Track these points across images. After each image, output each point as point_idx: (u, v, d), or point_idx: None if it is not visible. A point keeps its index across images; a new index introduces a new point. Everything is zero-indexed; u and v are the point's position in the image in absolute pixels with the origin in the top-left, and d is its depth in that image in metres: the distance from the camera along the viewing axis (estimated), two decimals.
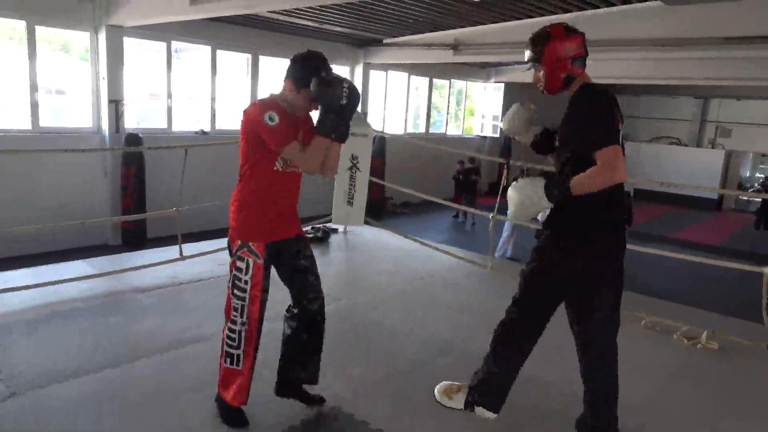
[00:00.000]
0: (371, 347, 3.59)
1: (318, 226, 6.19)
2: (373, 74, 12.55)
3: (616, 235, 2.43)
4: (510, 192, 2.43)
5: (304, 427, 2.69)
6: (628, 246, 2.54)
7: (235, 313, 2.56)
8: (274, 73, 10.88)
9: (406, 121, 14.03)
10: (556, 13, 8.25)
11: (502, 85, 15.76)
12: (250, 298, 2.53)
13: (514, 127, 2.76)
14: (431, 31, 10.14)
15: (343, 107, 2.37)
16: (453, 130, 16.15)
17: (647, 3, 6.97)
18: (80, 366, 3.13)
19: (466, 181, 12.35)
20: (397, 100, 13.79)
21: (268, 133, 2.36)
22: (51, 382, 2.95)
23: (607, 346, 2.57)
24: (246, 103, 10.17)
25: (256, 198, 2.53)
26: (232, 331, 2.57)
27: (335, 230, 6.37)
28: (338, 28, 10.10)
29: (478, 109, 16.59)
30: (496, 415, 2.71)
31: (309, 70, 2.41)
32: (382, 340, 3.69)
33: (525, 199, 2.35)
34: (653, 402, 3.08)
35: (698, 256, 4.72)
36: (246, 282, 2.52)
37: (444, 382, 2.89)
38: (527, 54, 2.45)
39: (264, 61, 10.61)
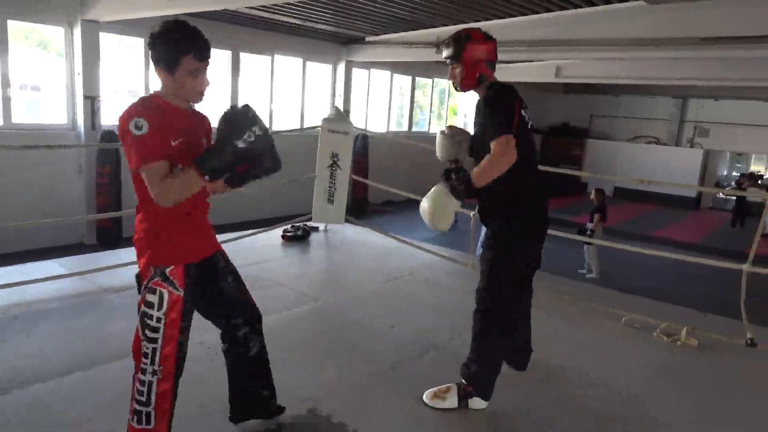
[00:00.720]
0: (349, 347, 3.53)
1: (298, 224, 6.11)
2: (356, 72, 12.48)
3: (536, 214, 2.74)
4: (422, 204, 2.66)
5: (280, 429, 2.62)
6: (610, 244, 2.78)
7: (144, 360, 2.06)
8: (255, 71, 10.77)
9: (389, 119, 13.99)
10: (537, 12, 8.26)
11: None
12: (164, 338, 2.05)
13: (449, 155, 2.83)
14: (414, 30, 10.10)
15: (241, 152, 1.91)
16: (436, 129, 16.15)
17: (627, 3, 7.00)
18: (49, 368, 3.03)
19: None
20: (380, 98, 13.74)
21: (130, 145, 1.90)
22: (17, 385, 2.84)
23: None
24: (227, 100, 10.14)
25: (163, 217, 2.05)
26: (141, 382, 2.08)
27: (315, 228, 6.29)
28: (321, 26, 10.02)
29: (460, 108, 16.61)
30: (487, 403, 2.79)
31: (181, 46, 1.94)
32: (360, 340, 3.63)
33: (436, 208, 2.59)
34: (635, 398, 3.07)
35: (678, 253, 4.74)
36: (159, 319, 2.04)
37: (430, 389, 2.89)
38: (446, 52, 2.67)
39: (245, 58, 10.49)
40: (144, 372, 2.07)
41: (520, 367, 3.15)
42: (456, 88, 2.74)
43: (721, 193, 16.20)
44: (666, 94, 16.66)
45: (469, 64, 2.61)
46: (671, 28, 7.13)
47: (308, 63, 11.69)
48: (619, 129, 17.71)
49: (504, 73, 14.65)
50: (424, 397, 2.86)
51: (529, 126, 2.65)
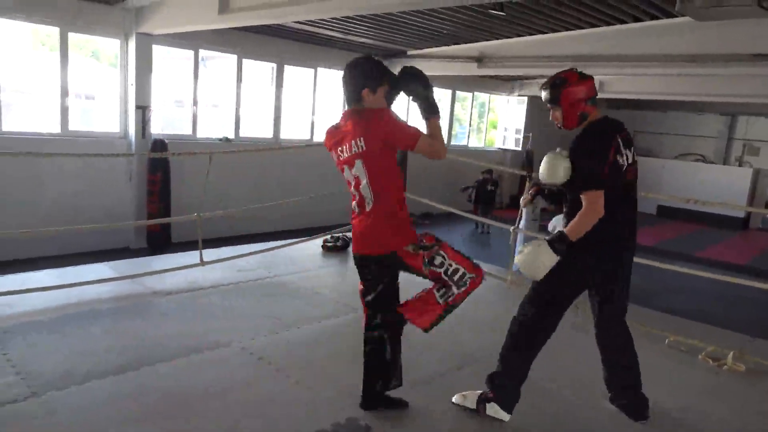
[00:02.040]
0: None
1: (338, 234, 6.20)
2: (342, 77, 12.56)
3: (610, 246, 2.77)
4: (518, 259, 2.77)
5: None
6: (652, 263, 2.78)
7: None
8: (298, 83, 11.00)
9: None
10: (582, 28, 8.21)
11: (526, 98, 15.71)
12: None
13: (557, 177, 2.77)
14: (455, 44, 10.16)
15: (430, 90, 2.66)
16: (475, 143, 16.12)
17: (675, 19, 6.89)
18: (99, 368, 3.16)
19: (482, 191, 12.30)
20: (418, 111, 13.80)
21: (400, 130, 2.56)
22: (70, 383, 2.98)
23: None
24: (270, 111, 10.38)
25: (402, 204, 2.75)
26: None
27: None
28: (363, 39, 10.18)
29: (500, 122, 16.53)
30: (509, 416, 2.81)
31: (381, 70, 2.64)
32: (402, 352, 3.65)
33: (537, 265, 2.66)
34: (680, 421, 3.00)
35: (724, 275, 4.62)
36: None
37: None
38: (544, 95, 2.81)
39: (288, 70, 10.73)
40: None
41: (634, 415, 2.93)
42: (559, 128, 2.87)
43: None
44: (714, 110, 16.20)
45: (568, 105, 2.73)
46: (720, 44, 6.98)
47: None
48: (665, 146, 17.29)
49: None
50: (453, 397, 2.98)
51: (626, 167, 2.69)
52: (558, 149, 2.80)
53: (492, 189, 12.25)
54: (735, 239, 13.98)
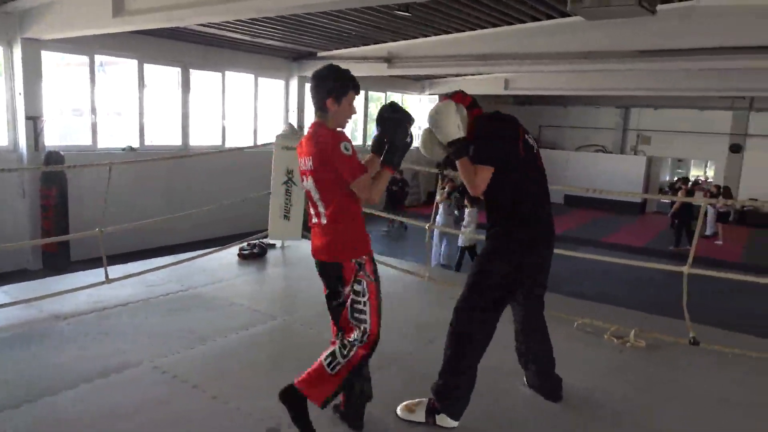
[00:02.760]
0: (304, 366, 3.50)
1: (254, 242, 6.05)
2: (309, 87, 12.48)
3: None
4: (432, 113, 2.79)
5: None
6: (559, 251, 2.96)
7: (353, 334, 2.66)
8: (206, 87, 10.64)
9: None
10: (484, 28, 8.51)
11: (437, 96, 16.08)
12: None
13: (433, 153, 2.93)
14: (365, 45, 10.22)
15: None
16: None
17: (568, 18, 7.30)
18: None
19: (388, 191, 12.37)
20: None
21: (342, 163, 2.43)
22: None
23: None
24: (178, 118, 9.97)
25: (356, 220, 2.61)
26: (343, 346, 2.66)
27: (272, 245, 6.24)
28: (271, 42, 10.01)
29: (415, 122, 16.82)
30: (457, 423, 2.78)
31: (346, 80, 2.56)
32: (316, 358, 3.60)
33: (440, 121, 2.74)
34: (590, 398, 3.16)
35: (625, 258, 4.94)
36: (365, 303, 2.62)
37: (404, 402, 2.93)
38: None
39: (195, 74, 10.35)
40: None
41: (551, 396, 3.07)
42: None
43: (664, 199, 16.91)
44: (610, 104, 17.34)
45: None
46: (610, 41, 7.48)
47: (260, 79, 11.64)
48: (568, 138, 18.32)
49: (454, 86, 14.97)
50: (398, 409, 2.90)
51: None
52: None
53: (395, 189, 12.30)
54: (634, 224, 15.03)
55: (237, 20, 8.06)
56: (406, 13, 7.73)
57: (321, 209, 2.54)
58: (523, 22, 8.09)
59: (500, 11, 7.65)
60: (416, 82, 15.67)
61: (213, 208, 6.24)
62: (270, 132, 10.02)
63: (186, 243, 7.85)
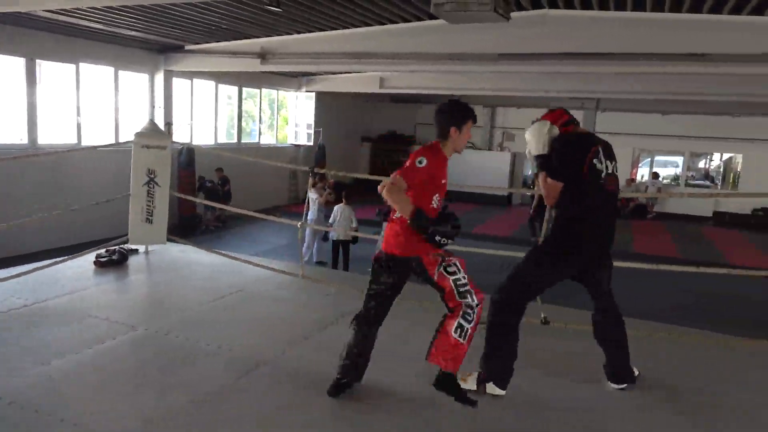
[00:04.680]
0: (172, 374, 3.34)
1: (113, 247, 5.61)
2: (177, 82, 11.85)
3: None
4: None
5: None
6: None
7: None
8: (58, 80, 9.70)
9: (216, 131, 13.50)
10: (357, 27, 8.61)
11: (314, 94, 16.01)
12: None
13: (539, 146, 3.16)
14: (236, 39, 9.89)
15: (442, 245, 2.92)
16: (268, 139, 15.96)
17: (435, 21, 7.59)
18: None
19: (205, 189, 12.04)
20: (206, 109, 13.21)
21: (407, 163, 2.91)
22: None
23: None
24: (23, 113, 8.98)
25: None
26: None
27: (135, 251, 5.83)
28: (131, 32, 9.33)
29: (291, 118, 16.62)
30: (503, 392, 3.09)
31: (464, 113, 3.01)
32: (185, 365, 3.45)
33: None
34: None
35: (492, 248, 5.25)
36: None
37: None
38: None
39: (45, 66, 9.39)
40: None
41: (615, 381, 3.30)
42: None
43: (528, 193, 18.24)
44: (478, 103, 18.32)
45: None
46: (471, 45, 7.91)
47: (121, 72, 10.82)
48: None
49: (329, 84, 15.02)
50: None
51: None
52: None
53: (209, 185, 11.96)
54: (502, 215, 16.07)
55: (91, 7, 7.41)
56: (277, 8, 7.59)
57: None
58: (394, 22, 8.30)
59: (372, 11, 7.78)
60: (293, 79, 15.48)
61: (62, 213, 5.70)
62: (137, 129, 9.38)
63: (34, 252, 7.11)
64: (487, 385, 3.13)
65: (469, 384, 3.15)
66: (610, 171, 3.08)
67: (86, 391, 3.10)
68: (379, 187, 2.82)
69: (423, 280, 2.99)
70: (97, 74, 10.44)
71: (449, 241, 2.90)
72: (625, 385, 3.28)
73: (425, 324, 3.27)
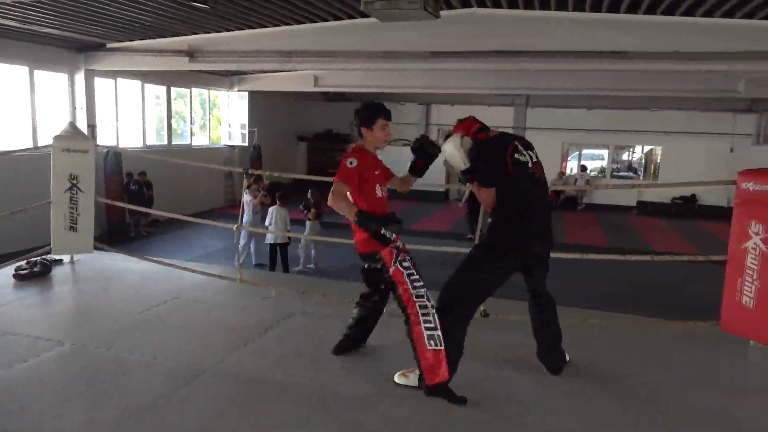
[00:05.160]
0: (103, 388, 3.17)
1: (34, 259, 5.26)
2: (100, 82, 11.29)
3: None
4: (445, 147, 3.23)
5: None
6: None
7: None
8: None
9: (144, 132, 12.98)
10: (288, 24, 8.49)
11: (246, 93, 15.68)
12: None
13: (460, 162, 3.19)
14: (162, 37, 9.54)
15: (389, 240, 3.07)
16: (201, 140, 15.51)
17: (367, 19, 7.60)
18: None
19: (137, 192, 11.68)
20: (133, 110, 12.66)
21: (340, 168, 3.10)
22: None
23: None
24: None
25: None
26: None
27: (59, 261, 5.51)
28: (47, 29, 8.81)
29: (225, 118, 16.21)
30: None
31: (370, 113, 3.20)
32: (116, 378, 3.29)
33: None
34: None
35: (431, 243, 5.31)
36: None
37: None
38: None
39: None
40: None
41: (551, 369, 3.37)
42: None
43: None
44: (413, 101, 18.56)
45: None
46: (403, 43, 8.00)
47: (37, 72, 10.20)
48: None
49: (262, 83, 14.77)
50: (395, 376, 3.21)
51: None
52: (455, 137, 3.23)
53: (133, 188, 11.62)
54: (440, 211, 16.34)
55: (1, 3, 6.93)
56: (204, 5, 7.38)
57: None
58: (326, 20, 8.25)
59: (302, 9, 7.70)
60: (224, 78, 15.11)
61: None
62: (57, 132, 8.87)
63: None
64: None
65: (411, 380, 3.16)
66: (534, 159, 3.18)
67: (8, 414, 2.90)
68: (328, 203, 3.02)
69: (386, 279, 3.14)
70: (10, 74, 9.80)
71: (395, 233, 3.05)
72: (561, 371, 3.38)
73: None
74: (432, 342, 2.96)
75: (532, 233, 3.20)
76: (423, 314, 2.98)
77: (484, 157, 3.18)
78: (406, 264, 3.08)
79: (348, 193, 3.11)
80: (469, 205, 11.62)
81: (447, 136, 3.31)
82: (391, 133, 3.30)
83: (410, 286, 3.03)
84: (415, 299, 3.00)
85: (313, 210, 8.90)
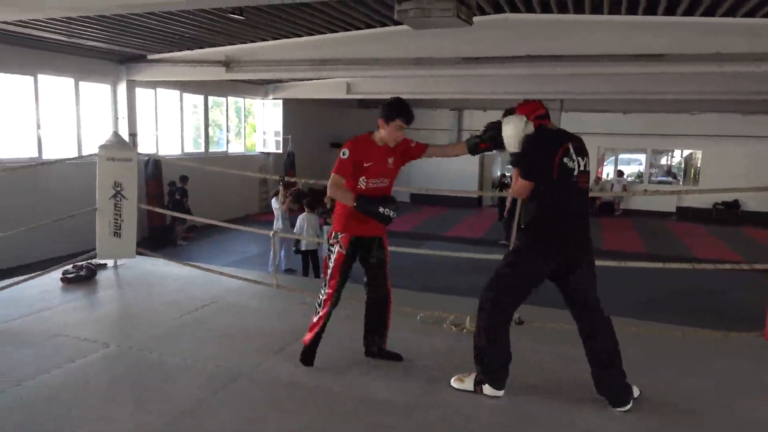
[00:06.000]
0: (147, 391, 3.28)
1: (80, 263, 5.47)
2: (141, 92, 11.67)
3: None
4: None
5: None
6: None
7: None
8: (15, 93, 9.44)
9: (182, 141, 13.32)
10: (323, 33, 8.62)
11: (281, 101, 15.93)
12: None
13: (515, 145, 3.13)
14: (200, 48, 9.81)
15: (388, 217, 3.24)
16: (236, 148, 15.82)
17: (400, 27, 7.67)
18: None
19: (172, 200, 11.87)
20: (171, 119, 13.02)
21: (337, 160, 3.24)
22: None
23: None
24: None
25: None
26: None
27: (103, 266, 5.71)
28: (93, 43, 9.17)
29: (259, 126, 16.50)
30: (500, 393, 3.16)
31: (393, 110, 3.26)
32: (159, 381, 3.39)
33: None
34: (436, 381, 3.35)
35: (463, 250, 5.31)
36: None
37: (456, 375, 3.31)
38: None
39: (6, 79, 9.15)
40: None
41: (612, 400, 3.09)
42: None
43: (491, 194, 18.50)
44: (445, 106, 18.55)
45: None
46: (436, 49, 8.01)
47: (82, 83, 10.60)
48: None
49: (296, 91, 14.97)
50: (451, 380, 3.29)
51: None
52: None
53: (178, 198, 11.86)
54: (472, 217, 16.25)
55: (50, 18, 7.25)
56: (240, 16, 7.56)
57: None
58: (359, 28, 8.35)
59: (336, 17, 7.81)
60: (259, 87, 15.39)
61: (25, 229, 5.52)
62: (100, 141, 9.19)
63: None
64: (483, 386, 3.18)
65: (467, 384, 3.23)
66: (582, 168, 3.04)
67: (59, 411, 3.03)
68: (328, 192, 3.26)
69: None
70: (56, 86, 10.21)
71: (395, 212, 3.22)
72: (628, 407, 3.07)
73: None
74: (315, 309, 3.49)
75: (566, 238, 3.11)
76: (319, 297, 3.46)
77: (534, 149, 3.07)
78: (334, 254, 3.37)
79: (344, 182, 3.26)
80: (510, 210, 11.54)
81: (507, 113, 3.22)
82: (403, 136, 3.40)
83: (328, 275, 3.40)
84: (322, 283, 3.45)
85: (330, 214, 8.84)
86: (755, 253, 11.58)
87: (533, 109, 3.15)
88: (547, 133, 3.11)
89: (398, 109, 3.27)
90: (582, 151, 3.07)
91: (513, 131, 3.10)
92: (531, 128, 3.09)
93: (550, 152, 3.00)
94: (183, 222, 11.76)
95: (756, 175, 13.46)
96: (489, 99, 15.94)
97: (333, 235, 3.41)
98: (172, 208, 11.22)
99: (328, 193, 3.23)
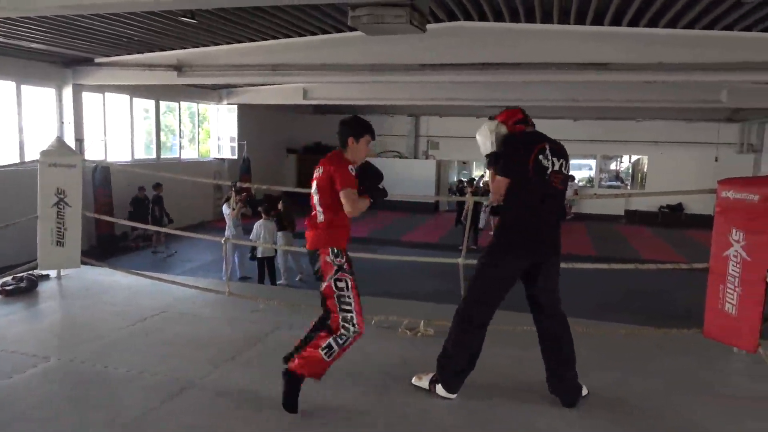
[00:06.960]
0: (88, 404, 3.15)
1: (20, 274, 5.22)
2: (88, 97, 11.28)
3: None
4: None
5: None
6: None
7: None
8: None
9: (132, 146, 12.95)
10: (276, 38, 8.55)
11: (236, 106, 15.70)
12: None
13: (488, 145, 3.26)
14: (151, 51, 9.56)
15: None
16: (190, 154, 15.49)
17: (354, 33, 7.68)
18: None
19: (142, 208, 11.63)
20: (121, 124, 12.64)
21: (341, 176, 3.06)
22: None
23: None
24: None
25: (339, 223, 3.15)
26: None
27: (46, 277, 5.47)
28: (34, 45, 8.81)
29: (214, 131, 16.21)
30: (452, 396, 3.21)
31: (362, 127, 3.25)
32: (102, 394, 3.27)
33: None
34: (386, 387, 3.35)
35: (419, 254, 5.33)
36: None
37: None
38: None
39: None
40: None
41: (565, 401, 3.17)
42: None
43: (449, 201, 18.72)
44: (402, 112, 18.68)
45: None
46: (391, 56, 8.06)
47: (24, 87, 10.18)
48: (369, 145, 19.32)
49: (251, 96, 14.80)
50: (413, 378, 3.38)
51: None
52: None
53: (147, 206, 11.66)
54: (429, 222, 16.38)
55: None
56: (192, 20, 7.41)
57: (318, 210, 3.17)
58: (314, 34, 8.32)
59: (290, 23, 7.75)
60: (213, 91, 15.14)
61: None
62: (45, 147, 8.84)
63: None
64: (437, 386, 3.25)
65: (423, 382, 3.31)
66: (556, 168, 3.14)
67: None
68: (349, 212, 3.05)
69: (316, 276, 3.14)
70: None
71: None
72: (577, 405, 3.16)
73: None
74: (326, 351, 2.99)
75: (539, 236, 3.17)
76: (341, 334, 2.99)
77: (510, 147, 3.19)
78: (340, 284, 3.03)
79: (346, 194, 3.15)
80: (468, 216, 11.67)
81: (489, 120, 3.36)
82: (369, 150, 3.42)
83: (338, 305, 3.01)
84: (341, 321, 3.01)
85: (283, 221, 8.75)
86: (697, 254, 12.07)
87: (512, 115, 3.32)
88: (523, 134, 3.27)
89: (364, 125, 3.30)
90: (559, 153, 3.22)
91: (484, 133, 3.28)
92: (503, 129, 3.25)
93: (525, 150, 3.14)
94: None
95: (699, 179, 14.06)
96: (445, 105, 16.17)
97: (332, 253, 3.06)
98: (155, 217, 11.16)
99: (350, 211, 3.02)
